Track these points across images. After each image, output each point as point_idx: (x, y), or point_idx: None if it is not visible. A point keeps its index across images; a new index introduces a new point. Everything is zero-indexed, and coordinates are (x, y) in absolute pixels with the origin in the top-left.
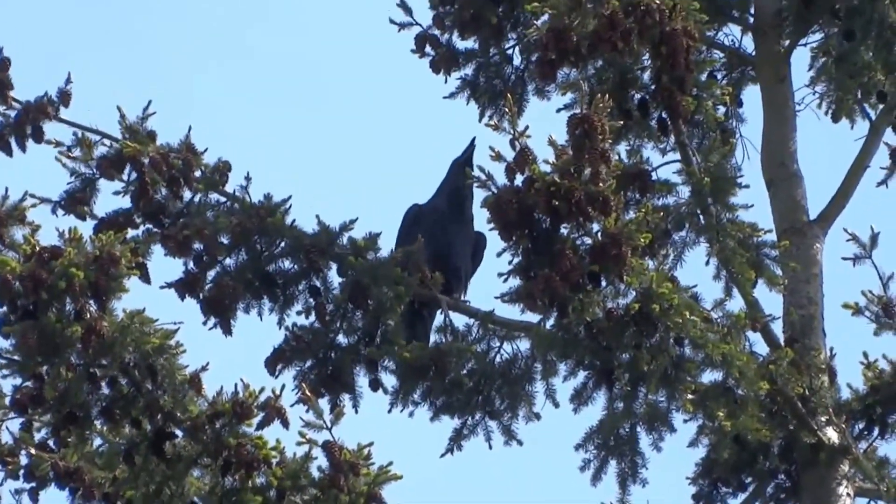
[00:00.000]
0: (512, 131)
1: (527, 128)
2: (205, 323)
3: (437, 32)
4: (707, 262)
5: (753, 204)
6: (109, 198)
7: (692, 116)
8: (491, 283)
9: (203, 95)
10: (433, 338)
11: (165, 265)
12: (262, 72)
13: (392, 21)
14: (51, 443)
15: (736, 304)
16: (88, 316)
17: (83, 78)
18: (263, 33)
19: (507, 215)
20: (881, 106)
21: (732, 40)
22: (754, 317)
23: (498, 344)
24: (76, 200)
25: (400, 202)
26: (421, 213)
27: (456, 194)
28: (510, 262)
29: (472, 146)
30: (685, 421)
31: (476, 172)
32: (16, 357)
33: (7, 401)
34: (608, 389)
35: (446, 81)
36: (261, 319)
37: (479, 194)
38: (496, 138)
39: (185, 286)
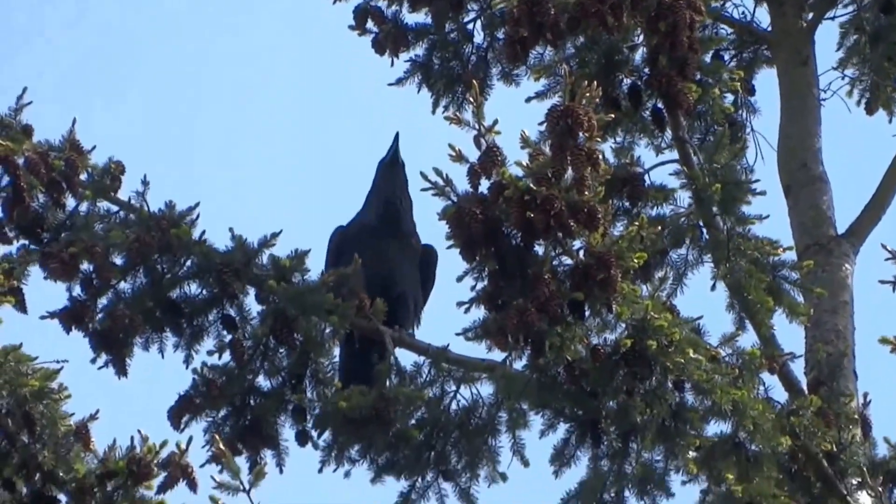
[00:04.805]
0: (477, 126)
1: (496, 122)
2: (94, 361)
3: (381, 4)
4: (713, 287)
5: (769, 214)
6: None
7: (694, 107)
8: (447, 313)
9: (91, 84)
10: None
11: (46, 290)
12: (160, 57)
13: None
14: None
15: (748, 339)
16: None
17: None
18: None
19: (470, 230)
20: None
21: (743, 13)
22: (771, 355)
23: (454, 388)
24: None
25: (335, 214)
26: (346, 238)
27: (388, 205)
28: (473, 288)
29: (396, 142)
30: (685, 483)
31: (432, 176)
32: None
33: None
34: (593, 445)
35: (392, 64)
36: (163, 358)
37: (435, 204)
38: (456, 134)
39: (70, 316)
